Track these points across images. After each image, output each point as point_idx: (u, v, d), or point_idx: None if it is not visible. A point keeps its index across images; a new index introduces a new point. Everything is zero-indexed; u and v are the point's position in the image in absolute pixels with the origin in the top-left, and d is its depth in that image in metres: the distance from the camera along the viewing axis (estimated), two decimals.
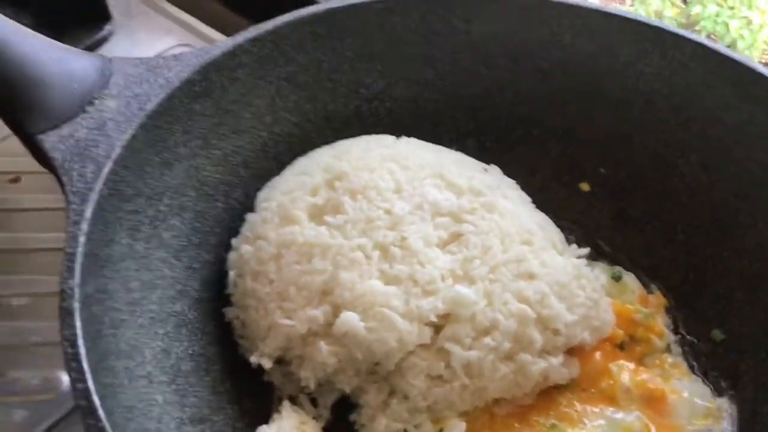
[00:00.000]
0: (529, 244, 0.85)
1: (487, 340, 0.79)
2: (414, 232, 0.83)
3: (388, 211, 0.84)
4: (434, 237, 0.83)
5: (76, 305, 0.64)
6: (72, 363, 0.60)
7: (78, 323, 0.62)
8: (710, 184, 0.95)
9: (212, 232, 0.90)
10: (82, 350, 0.61)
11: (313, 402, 0.84)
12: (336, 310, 0.79)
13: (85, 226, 0.69)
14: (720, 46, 0.95)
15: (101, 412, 0.58)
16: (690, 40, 0.95)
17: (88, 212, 0.71)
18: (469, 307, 0.79)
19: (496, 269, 0.82)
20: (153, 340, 0.76)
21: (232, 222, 0.92)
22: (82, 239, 0.68)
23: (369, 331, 0.77)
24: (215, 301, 0.87)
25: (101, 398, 0.60)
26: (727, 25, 3.13)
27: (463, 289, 0.80)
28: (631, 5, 3.24)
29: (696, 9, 3.18)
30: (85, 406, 0.58)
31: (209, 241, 0.89)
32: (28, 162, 0.87)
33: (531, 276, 0.83)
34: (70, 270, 0.66)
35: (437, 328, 0.80)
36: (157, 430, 0.69)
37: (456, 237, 0.84)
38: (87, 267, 0.68)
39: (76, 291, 0.65)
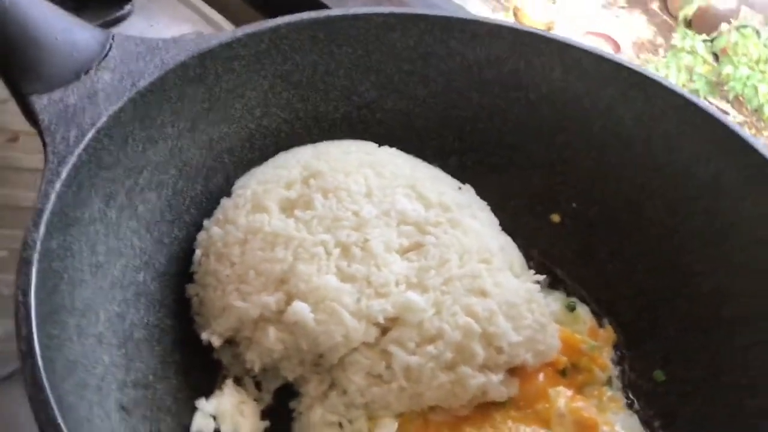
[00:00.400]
0: (487, 263, 0.88)
1: (430, 348, 0.81)
2: (377, 236, 0.86)
3: (355, 213, 0.87)
4: (395, 243, 0.86)
5: (36, 257, 0.67)
6: (21, 309, 0.63)
7: (34, 274, 0.66)
8: (674, 229, 0.97)
9: (188, 211, 0.93)
10: (32, 299, 0.64)
11: (258, 386, 0.87)
12: (289, 299, 0.82)
13: (58, 185, 0.73)
14: (701, 101, 0.98)
15: (39, 359, 0.61)
16: (672, 91, 0.97)
17: (64, 173, 0.74)
18: (418, 314, 0.82)
19: (450, 282, 0.85)
20: (110, 304, 0.79)
21: (209, 205, 0.95)
22: (52, 197, 0.72)
23: (317, 323, 0.80)
24: (179, 277, 0.90)
25: (43, 347, 0.63)
26: (756, 88, 3.13)
27: (414, 296, 0.82)
28: (664, 57, 3.26)
29: (727, 69, 3.19)
30: (25, 351, 0.61)
31: (183, 219, 0.93)
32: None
33: (483, 293, 0.85)
34: (36, 224, 0.69)
35: (384, 330, 0.82)
36: (98, 387, 0.72)
37: (417, 246, 0.87)
38: (54, 223, 0.71)
39: (38, 244, 0.68)
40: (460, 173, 1.03)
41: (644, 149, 1.01)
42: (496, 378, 0.84)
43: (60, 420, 0.59)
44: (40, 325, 0.65)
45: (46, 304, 0.68)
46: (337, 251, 0.84)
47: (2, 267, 1.04)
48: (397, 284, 0.83)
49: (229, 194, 0.94)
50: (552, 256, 1.05)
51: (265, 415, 0.85)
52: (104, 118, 0.81)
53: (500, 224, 0.98)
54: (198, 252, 0.89)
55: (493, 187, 1.05)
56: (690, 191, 0.97)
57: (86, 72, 0.85)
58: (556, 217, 1.07)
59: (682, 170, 0.97)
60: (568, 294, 1.00)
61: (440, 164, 1.05)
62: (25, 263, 0.67)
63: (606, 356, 0.93)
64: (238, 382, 0.86)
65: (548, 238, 1.06)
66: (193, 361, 0.86)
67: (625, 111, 1.01)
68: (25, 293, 0.65)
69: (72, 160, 0.76)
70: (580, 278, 1.02)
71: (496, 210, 1.00)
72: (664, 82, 0.98)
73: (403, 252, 0.87)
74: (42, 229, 0.69)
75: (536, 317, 0.88)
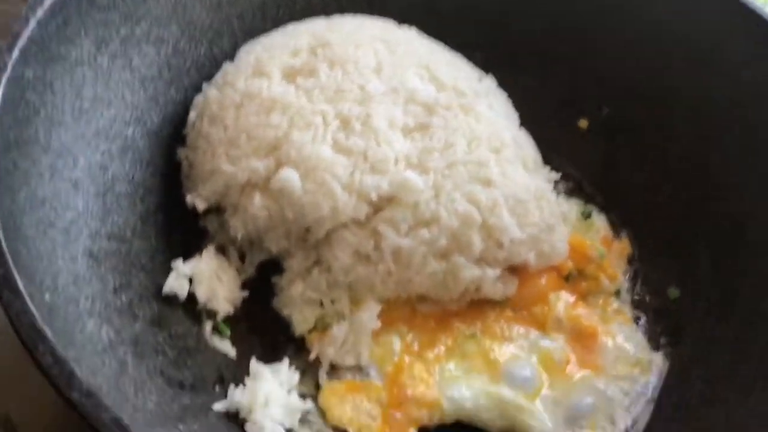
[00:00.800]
0: (497, 153, 0.82)
1: (424, 232, 0.76)
2: (380, 112, 0.80)
3: (361, 87, 0.81)
4: (400, 121, 0.80)
5: (4, 79, 0.63)
6: None
7: (2, 88, 0.62)
8: (707, 140, 0.89)
9: (188, 73, 0.88)
10: None
11: (243, 259, 0.83)
12: (279, 167, 0.77)
13: (40, 12, 0.68)
14: None
15: None
16: None
17: (48, 1, 0.69)
18: (414, 194, 0.76)
19: (454, 166, 0.79)
20: (92, 152, 0.75)
21: (212, 70, 0.90)
22: (32, 22, 0.67)
23: (305, 193, 0.75)
24: (172, 139, 0.85)
25: (4, 172, 0.60)
26: None
27: (412, 175, 0.77)
28: None
29: None
30: None
31: (182, 81, 0.88)
32: None
33: (488, 182, 0.79)
34: (10, 48, 0.65)
35: (377, 210, 0.77)
36: (65, 230, 0.68)
37: (423, 128, 0.81)
38: (31, 52, 0.67)
39: (9, 67, 0.64)
40: (484, 69, 0.95)
41: (684, 50, 0.92)
42: (492, 273, 0.78)
43: (3, 241, 0.55)
44: (4, 150, 0.61)
45: (14, 132, 0.64)
46: (336, 123, 0.79)
47: None
48: (396, 162, 0.78)
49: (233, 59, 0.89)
50: (575, 162, 0.97)
51: (245, 286, 0.81)
52: None
53: (524, 127, 0.91)
54: (192, 114, 0.84)
55: (520, 88, 0.97)
56: (729, 98, 0.88)
57: None
58: (583, 123, 0.99)
59: (725, 73, 0.88)
60: (587, 202, 0.93)
61: (464, 58, 0.97)
62: None
63: (618, 268, 0.87)
64: (222, 251, 0.82)
65: (573, 144, 0.98)
66: (178, 227, 0.82)
67: (665, 6, 0.92)
68: None
69: None
70: (601, 187, 0.95)
71: (520, 111, 0.92)
72: None
73: (408, 132, 0.80)
74: (16, 53, 0.65)
75: (544, 216, 0.81)
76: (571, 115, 1.00)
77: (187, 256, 0.80)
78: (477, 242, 0.77)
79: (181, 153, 0.84)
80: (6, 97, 0.63)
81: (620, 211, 0.93)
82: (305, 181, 0.76)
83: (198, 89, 0.88)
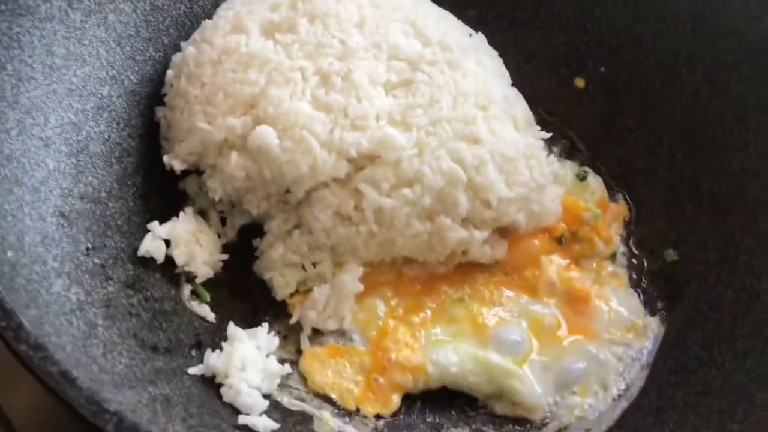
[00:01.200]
0: (485, 110, 0.78)
1: (407, 191, 0.73)
2: (362, 68, 0.77)
3: (342, 42, 0.78)
4: (382, 77, 0.77)
5: None
6: None
7: None
8: (709, 99, 0.85)
9: (167, 32, 0.86)
10: None
11: (224, 222, 0.81)
12: (256, 124, 0.74)
13: None
14: None
15: None
16: None
17: None
18: (396, 152, 0.73)
19: (438, 123, 0.75)
20: (64, 111, 0.73)
21: (192, 29, 0.87)
22: None
23: (283, 151, 0.73)
24: (151, 99, 0.83)
25: None
26: None
27: (394, 132, 0.74)
28: None
29: None
30: None
31: (161, 39, 0.85)
32: None
33: (475, 140, 0.76)
34: None
35: (358, 168, 0.74)
36: (34, 189, 0.66)
37: (406, 84, 0.78)
38: None
39: None
40: (478, 28, 0.91)
41: (688, 5, 0.88)
42: (480, 235, 0.75)
43: None
44: None
45: None
46: (315, 79, 0.76)
47: None
48: (377, 119, 0.75)
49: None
50: (571, 122, 0.93)
51: (226, 250, 0.79)
52: None
53: (518, 86, 0.87)
54: (170, 72, 0.82)
55: (515, 46, 0.94)
56: (733, 55, 0.84)
57: None
58: (580, 82, 0.96)
59: (728, 30, 0.84)
60: (583, 164, 0.89)
61: (456, 16, 0.93)
62: None
63: (614, 231, 0.84)
64: (202, 214, 0.80)
65: (570, 103, 0.95)
66: (156, 188, 0.80)
67: None
68: None
69: None
70: (597, 149, 0.91)
71: (515, 71, 0.89)
72: None
73: (390, 88, 0.77)
74: None
75: (534, 175, 0.78)
76: (568, 73, 0.96)
77: (165, 219, 0.77)
78: (463, 202, 0.74)
79: (159, 113, 0.82)
80: None
81: (617, 173, 0.89)
82: (283, 138, 0.73)
83: (176, 48, 0.85)
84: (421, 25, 0.83)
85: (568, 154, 0.91)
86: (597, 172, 0.89)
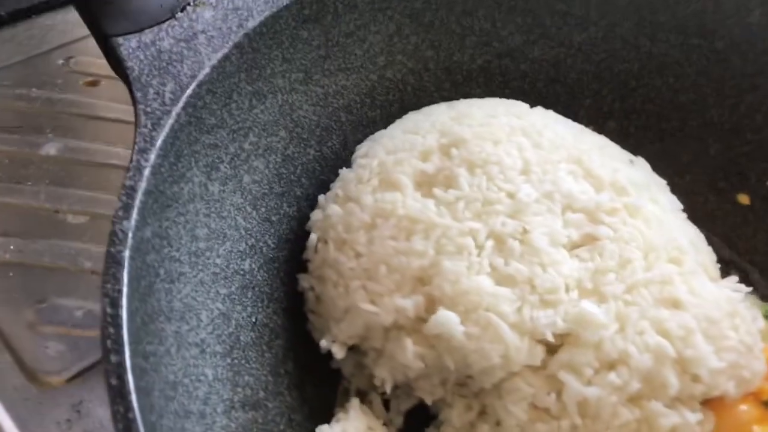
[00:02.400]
0: (678, 265, 0.69)
1: (612, 376, 0.63)
2: (539, 226, 0.67)
3: (510, 195, 0.69)
4: (563, 236, 0.68)
5: (127, 254, 0.51)
6: (109, 328, 0.47)
7: (125, 278, 0.50)
8: None
9: (298, 182, 0.77)
10: (125, 313, 0.49)
11: (386, 404, 0.71)
12: (431, 305, 0.65)
13: (152, 157, 0.57)
14: None
15: (134, 398, 0.46)
16: None
17: (159, 140, 0.58)
18: (596, 331, 0.64)
19: (635, 289, 0.66)
20: (213, 302, 0.64)
21: (323, 174, 0.79)
22: (147, 172, 0.56)
23: (468, 338, 0.63)
24: (289, 264, 0.74)
25: (138, 375, 0.48)
26: None
27: (591, 307, 0.64)
28: None
29: None
30: (116, 386, 0.46)
31: (294, 192, 0.76)
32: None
33: (676, 304, 0.66)
34: (127, 208, 0.54)
35: (551, 350, 0.65)
36: (201, 414, 0.57)
37: (589, 240, 0.68)
38: (148, 206, 0.56)
39: (130, 236, 0.52)
40: (621, 142, 0.83)
41: None
42: (692, 417, 0.65)
43: None
44: (134, 345, 0.50)
45: (140, 313, 0.52)
46: (490, 244, 0.66)
47: (81, 234, 0.91)
48: (567, 290, 0.65)
49: (347, 163, 0.77)
50: (737, 246, 0.84)
51: None
52: (206, 69, 0.64)
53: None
54: (313, 236, 0.72)
55: (664, 160, 0.84)
56: None
57: (183, 8, 0.68)
58: (744, 198, 0.86)
59: None
60: (762, 297, 0.80)
61: (595, 129, 0.84)
62: (113, 262, 0.51)
63: None
64: (362, 398, 0.70)
65: (733, 224, 0.85)
66: (308, 371, 0.71)
67: None
68: (115, 304, 0.49)
69: (169, 122, 0.60)
70: None
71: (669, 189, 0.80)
72: None
73: (572, 247, 0.68)
74: (134, 215, 0.53)
75: (741, 336, 0.68)
76: (729, 187, 0.87)
77: (323, 408, 0.68)
78: (673, 381, 0.64)
79: (304, 281, 0.73)
80: (131, 274, 0.51)
81: None
82: (466, 323, 0.63)
83: (310, 199, 0.77)
84: (588, 162, 0.73)
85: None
86: None
